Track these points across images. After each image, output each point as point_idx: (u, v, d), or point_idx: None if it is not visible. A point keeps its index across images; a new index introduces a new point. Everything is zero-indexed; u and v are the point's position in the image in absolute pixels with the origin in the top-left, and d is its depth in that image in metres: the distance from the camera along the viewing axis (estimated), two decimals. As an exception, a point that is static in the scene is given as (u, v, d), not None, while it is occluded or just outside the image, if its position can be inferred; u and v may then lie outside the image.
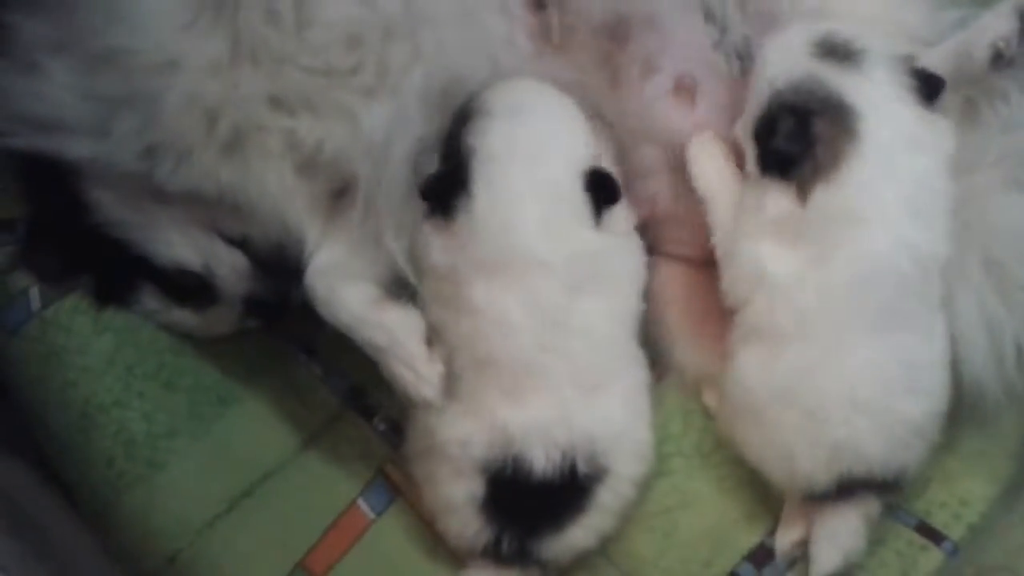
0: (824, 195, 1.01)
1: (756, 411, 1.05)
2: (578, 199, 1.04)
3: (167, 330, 1.19)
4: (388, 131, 1.06)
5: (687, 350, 1.19)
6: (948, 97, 1.08)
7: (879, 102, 1.02)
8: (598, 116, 1.14)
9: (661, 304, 1.18)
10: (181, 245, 1.12)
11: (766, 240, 1.05)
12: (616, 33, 1.13)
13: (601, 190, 1.05)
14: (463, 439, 1.03)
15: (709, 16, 1.14)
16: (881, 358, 1.02)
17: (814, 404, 1.02)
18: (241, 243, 1.12)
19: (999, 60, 1.06)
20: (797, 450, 1.03)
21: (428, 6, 1.06)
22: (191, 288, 1.14)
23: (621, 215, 1.09)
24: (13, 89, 1.06)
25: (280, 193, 1.08)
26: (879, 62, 1.04)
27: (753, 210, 1.06)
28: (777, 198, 1.04)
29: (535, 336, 1.02)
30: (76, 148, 1.06)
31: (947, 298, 1.07)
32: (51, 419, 1.15)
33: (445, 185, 1.04)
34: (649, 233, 1.17)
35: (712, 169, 1.11)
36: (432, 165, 1.08)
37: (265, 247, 1.12)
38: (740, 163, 1.11)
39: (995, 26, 1.06)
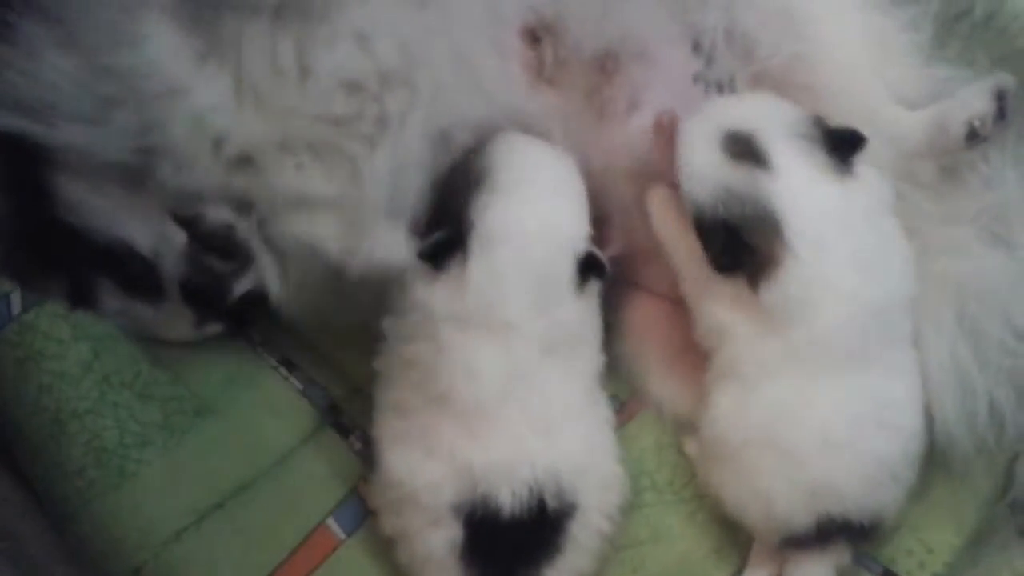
0: (772, 290, 1.03)
1: (732, 454, 1.06)
2: (568, 279, 1.05)
3: (145, 340, 1.19)
4: (390, 180, 1.07)
5: (662, 384, 1.19)
6: (923, 162, 1.11)
7: (798, 196, 1.02)
8: (579, 151, 1.14)
9: (636, 338, 1.19)
10: (132, 224, 1.10)
11: (727, 306, 1.06)
12: (606, 66, 1.14)
13: (591, 270, 1.06)
14: (433, 484, 1.03)
15: (696, 47, 1.15)
16: (850, 398, 1.03)
17: (789, 445, 1.02)
18: (191, 221, 1.10)
19: (974, 137, 1.07)
20: (775, 492, 1.03)
21: (423, 51, 1.07)
22: (139, 276, 1.12)
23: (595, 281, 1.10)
24: (9, 67, 1.05)
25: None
26: (787, 148, 1.03)
27: (714, 280, 1.06)
28: (732, 287, 1.05)
29: (496, 385, 1.03)
30: (66, 134, 1.05)
31: (920, 348, 1.09)
32: (24, 424, 1.14)
33: (442, 251, 1.04)
34: (625, 267, 1.19)
35: (671, 220, 1.11)
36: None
37: (215, 226, 1.09)
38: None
39: (972, 104, 1.07)
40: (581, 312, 1.07)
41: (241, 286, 1.12)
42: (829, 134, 1.05)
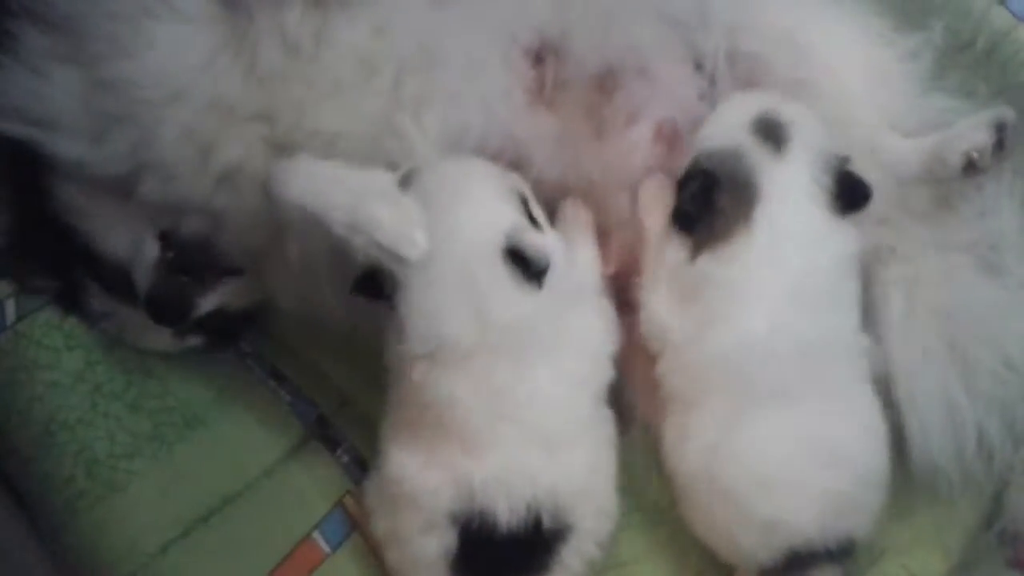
0: (707, 262, 1.04)
1: (685, 491, 1.07)
2: (499, 274, 1.00)
3: (136, 351, 1.19)
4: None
5: (651, 404, 1.18)
6: (918, 190, 1.10)
7: (785, 192, 1.04)
8: (575, 169, 1.13)
9: (626, 356, 1.18)
10: (114, 230, 1.11)
11: (665, 295, 1.07)
12: (606, 84, 1.13)
13: (525, 261, 1.00)
14: (433, 490, 1.03)
15: (698, 66, 1.14)
16: (780, 435, 1.02)
17: (727, 485, 1.02)
18: (167, 233, 1.10)
19: (971, 169, 1.06)
20: (732, 529, 1.04)
21: (440, 49, 1.06)
22: (118, 280, 1.12)
23: (578, 273, 1.08)
24: (14, 84, 1.06)
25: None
26: (803, 154, 1.05)
27: (659, 262, 1.09)
28: (675, 250, 1.07)
29: (484, 408, 1.02)
30: (66, 147, 1.06)
31: (909, 376, 1.09)
32: (14, 433, 1.15)
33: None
34: (622, 285, 1.17)
35: (657, 207, 1.12)
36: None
37: (190, 239, 1.09)
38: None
39: (971, 136, 1.06)
40: (544, 307, 1.02)
41: (207, 303, 1.11)
42: (845, 176, 1.05)
